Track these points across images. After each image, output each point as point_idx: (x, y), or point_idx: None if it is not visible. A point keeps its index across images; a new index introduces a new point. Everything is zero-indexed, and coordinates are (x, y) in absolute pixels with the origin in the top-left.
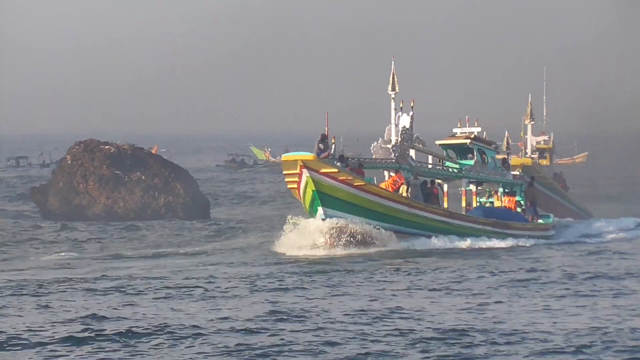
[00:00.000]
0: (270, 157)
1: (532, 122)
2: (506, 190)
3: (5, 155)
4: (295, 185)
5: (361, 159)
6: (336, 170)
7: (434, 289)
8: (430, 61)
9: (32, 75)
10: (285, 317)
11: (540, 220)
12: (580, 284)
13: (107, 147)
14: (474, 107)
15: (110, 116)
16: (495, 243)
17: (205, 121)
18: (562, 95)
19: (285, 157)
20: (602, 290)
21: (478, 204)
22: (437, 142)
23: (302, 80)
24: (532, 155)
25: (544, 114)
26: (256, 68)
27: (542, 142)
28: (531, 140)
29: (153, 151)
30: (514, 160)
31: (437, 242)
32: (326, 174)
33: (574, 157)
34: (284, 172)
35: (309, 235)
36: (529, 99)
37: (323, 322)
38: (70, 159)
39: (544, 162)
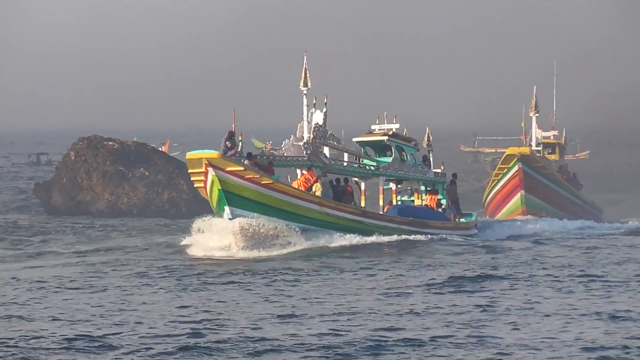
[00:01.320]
0: (272, 150)
1: (537, 115)
2: (428, 189)
3: (26, 151)
4: (202, 185)
5: (271, 157)
6: (242, 168)
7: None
8: (433, 57)
9: (35, 72)
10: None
11: (462, 219)
12: (481, 284)
13: (110, 143)
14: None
15: (118, 112)
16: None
17: (207, 115)
18: (569, 90)
19: (190, 155)
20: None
21: (399, 202)
22: (354, 140)
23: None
24: (537, 149)
25: (554, 109)
26: (258, 64)
27: (551, 137)
28: (536, 132)
29: (166, 146)
30: (511, 149)
31: (346, 240)
32: (232, 173)
33: (577, 154)
34: (190, 171)
35: (215, 236)
36: (534, 91)
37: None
38: (74, 155)
39: (553, 157)
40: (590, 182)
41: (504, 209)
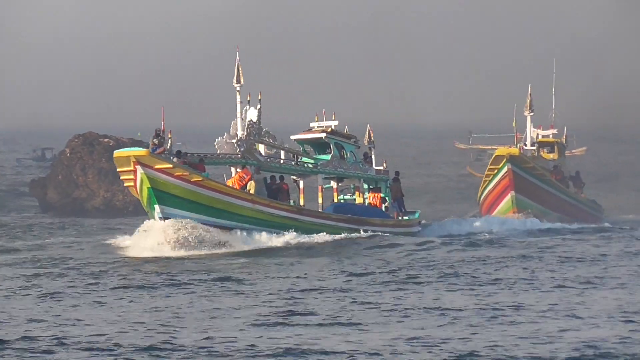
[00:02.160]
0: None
1: (532, 114)
2: (371, 187)
3: (31, 146)
4: (132, 184)
5: (202, 154)
6: (171, 165)
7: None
8: (434, 53)
9: (36, 69)
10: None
11: (405, 217)
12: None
13: (106, 140)
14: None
15: (115, 110)
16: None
17: (205, 114)
18: (568, 89)
19: (117, 153)
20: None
21: (341, 200)
22: (292, 137)
23: (301, 74)
24: (532, 148)
25: (553, 107)
26: (254, 61)
27: (550, 136)
28: (531, 131)
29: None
30: (500, 150)
31: (280, 239)
32: (161, 170)
33: (572, 151)
34: (118, 170)
35: (148, 235)
36: (529, 90)
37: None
38: (69, 152)
39: (552, 155)
40: (589, 179)
41: (496, 210)
